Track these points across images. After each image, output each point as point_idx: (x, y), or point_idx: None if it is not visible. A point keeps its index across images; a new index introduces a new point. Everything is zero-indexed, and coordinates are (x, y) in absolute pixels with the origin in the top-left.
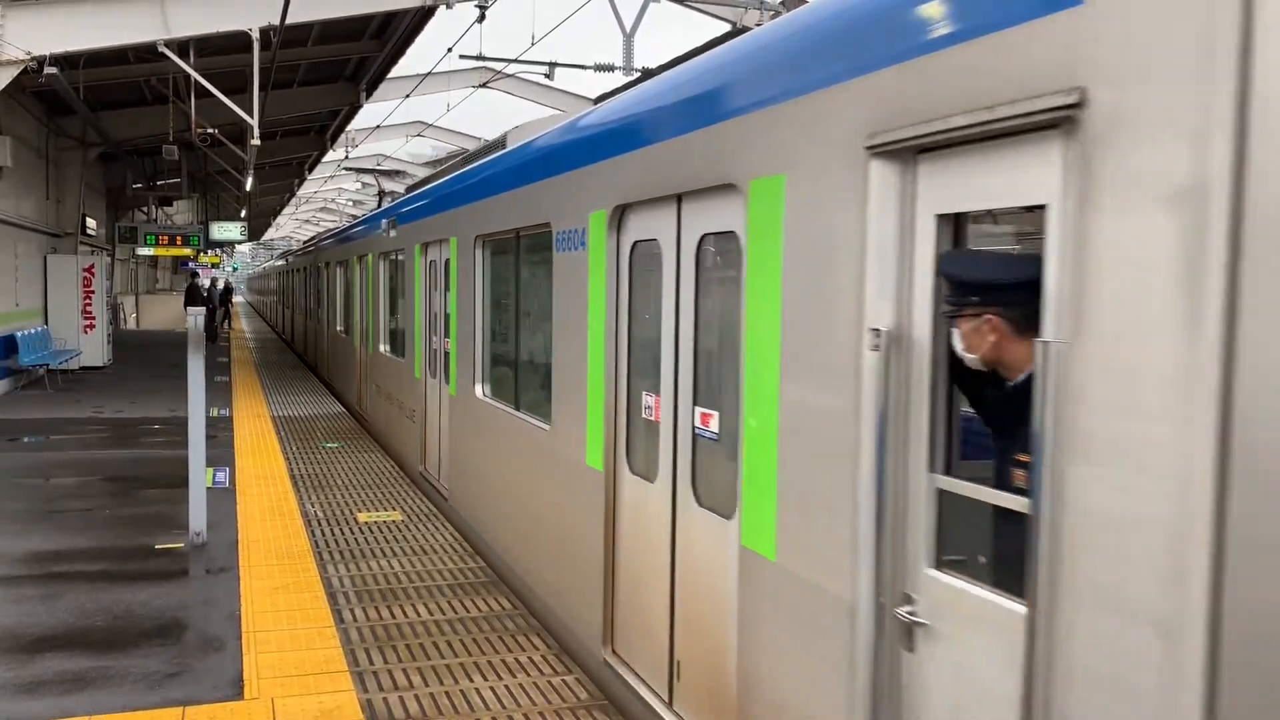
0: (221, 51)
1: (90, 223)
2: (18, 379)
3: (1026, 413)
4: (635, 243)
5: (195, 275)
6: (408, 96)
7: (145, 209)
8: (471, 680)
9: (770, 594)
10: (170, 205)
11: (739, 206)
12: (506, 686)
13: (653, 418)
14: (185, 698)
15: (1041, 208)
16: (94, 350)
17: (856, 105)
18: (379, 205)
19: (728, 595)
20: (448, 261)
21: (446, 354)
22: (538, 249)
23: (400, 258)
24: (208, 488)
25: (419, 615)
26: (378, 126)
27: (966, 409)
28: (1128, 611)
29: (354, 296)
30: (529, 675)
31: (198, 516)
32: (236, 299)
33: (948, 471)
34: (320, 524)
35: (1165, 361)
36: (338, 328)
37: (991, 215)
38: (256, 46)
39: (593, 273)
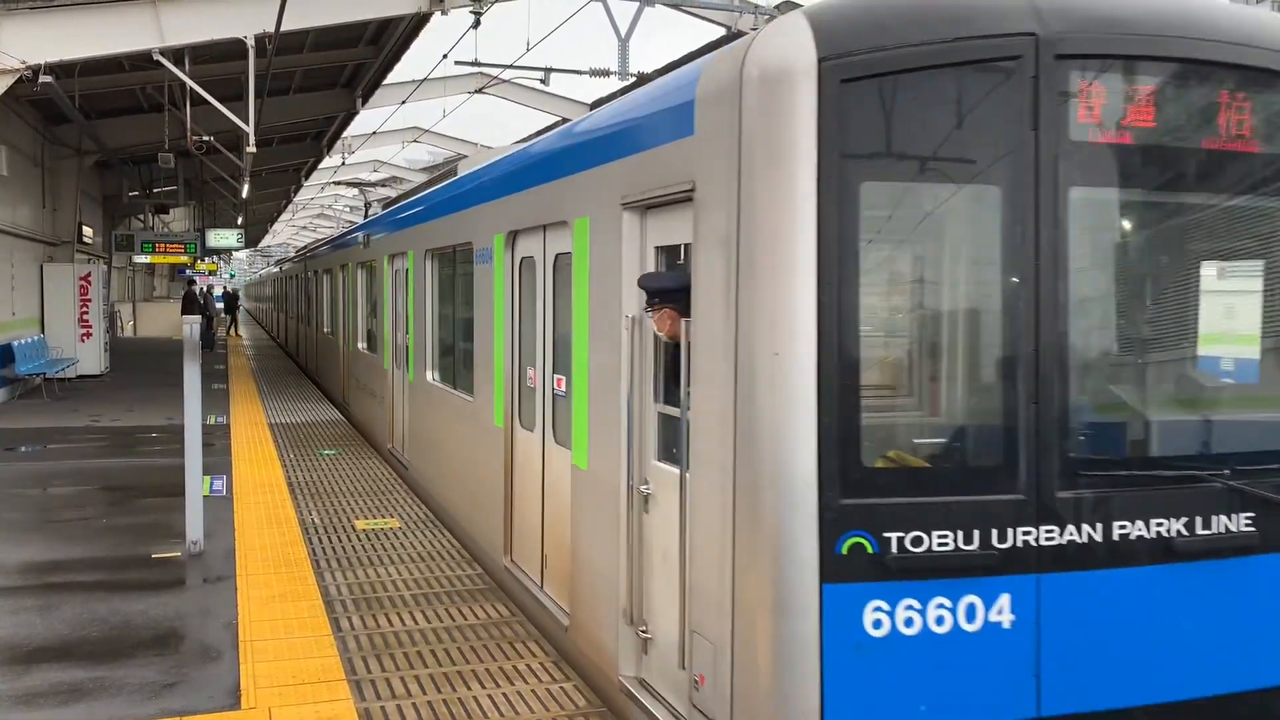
0: (217, 59)
1: (86, 231)
2: (14, 388)
3: (678, 362)
4: (522, 258)
5: (192, 282)
6: (403, 103)
7: (142, 217)
8: (470, 688)
9: (584, 491)
10: (167, 213)
11: (569, 236)
12: (505, 694)
13: (531, 385)
14: (182, 708)
15: (688, 244)
16: (91, 359)
17: (616, 178)
18: (365, 216)
19: (568, 501)
20: (407, 270)
21: (407, 348)
22: (467, 262)
23: (373, 267)
24: (205, 496)
25: (417, 623)
26: (374, 133)
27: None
28: (714, 464)
29: (337, 301)
30: (527, 683)
31: (194, 525)
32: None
33: (664, 402)
34: (318, 532)
35: (719, 332)
36: (324, 329)
37: (677, 248)
38: (252, 54)
39: (497, 280)
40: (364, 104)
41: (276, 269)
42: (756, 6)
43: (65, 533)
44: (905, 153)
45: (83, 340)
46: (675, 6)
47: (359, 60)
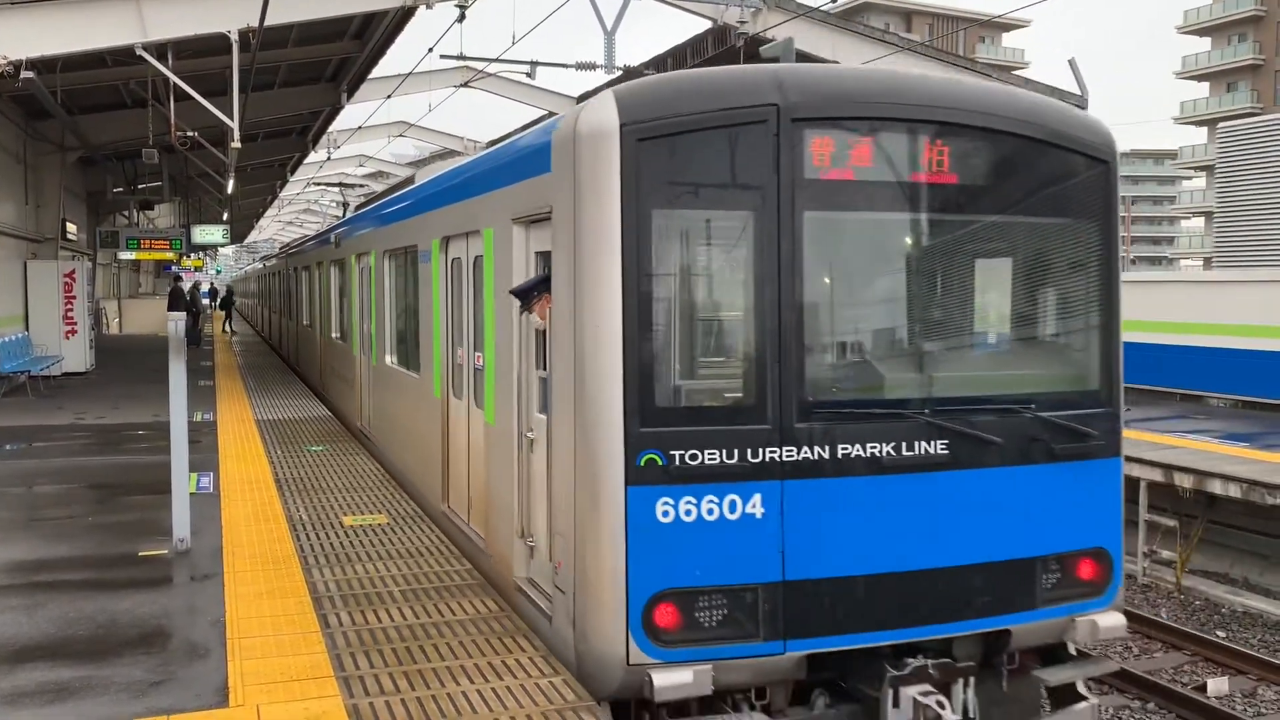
0: (200, 54)
1: (70, 227)
2: None
3: (546, 339)
4: (452, 259)
5: (179, 279)
6: (389, 97)
7: (126, 213)
8: (459, 684)
9: (492, 442)
10: (151, 209)
11: (482, 242)
12: (494, 689)
13: (460, 362)
14: (170, 706)
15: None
16: (76, 356)
17: (509, 200)
18: (342, 215)
19: (483, 451)
20: (370, 268)
21: (370, 335)
22: (415, 262)
23: (344, 265)
24: (192, 493)
25: (405, 619)
26: (359, 127)
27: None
28: (564, 410)
29: (314, 296)
30: (516, 678)
31: (181, 523)
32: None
33: (540, 369)
34: (305, 528)
35: (566, 315)
36: (304, 322)
37: (547, 253)
38: (236, 48)
39: (434, 277)
40: (349, 99)
41: (260, 265)
42: (742, 0)
43: (51, 531)
44: (684, 188)
45: (67, 338)
46: None
47: (344, 55)
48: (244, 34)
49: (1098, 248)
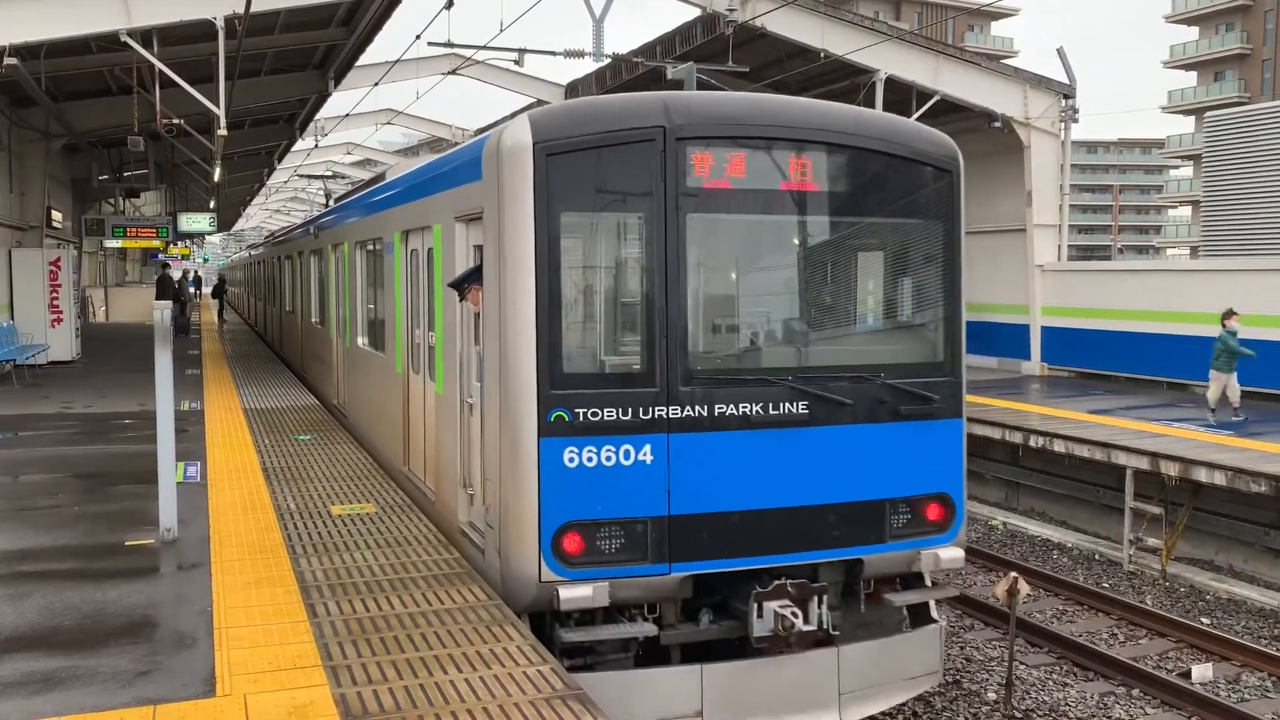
0: (186, 41)
1: (56, 215)
2: None
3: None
4: (411, 250)
5: (166, 266)
6: (376, 84)
7: (112, 201)
8: (447, 673)
9: (441, 408)
10: (138, 197)
11: (433, 235)
12: (482, 678)
13: (418, 341)
14: (156, 696)
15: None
16: (62, 345)
17: (452, 200)
18: (326, 205)
19: (434, 416)
20: (344, 258)
21: (343, 319)
22: (380, 253)
23: (321, 254)
24: (179, 483)
25: (393, 608)
26: (347, 115)
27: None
28: (492, 377)
29: (295, 283)
30: (504, 666)
31: (168, 512)
32: (206, 291)
33: (477, 344)
34: (293, 517)
35: (493, 298)
36: (286, 308)
37: (481, 247)
38: (222, 35)
39: (396, 267)
40: (336, 86)
41: (247, 254)
42: None
43: (37, 521)
44: (587, 195)
45: (53, 326)
46: None
47: (331, 42)
48: (230, 20)
49: (943, 244)
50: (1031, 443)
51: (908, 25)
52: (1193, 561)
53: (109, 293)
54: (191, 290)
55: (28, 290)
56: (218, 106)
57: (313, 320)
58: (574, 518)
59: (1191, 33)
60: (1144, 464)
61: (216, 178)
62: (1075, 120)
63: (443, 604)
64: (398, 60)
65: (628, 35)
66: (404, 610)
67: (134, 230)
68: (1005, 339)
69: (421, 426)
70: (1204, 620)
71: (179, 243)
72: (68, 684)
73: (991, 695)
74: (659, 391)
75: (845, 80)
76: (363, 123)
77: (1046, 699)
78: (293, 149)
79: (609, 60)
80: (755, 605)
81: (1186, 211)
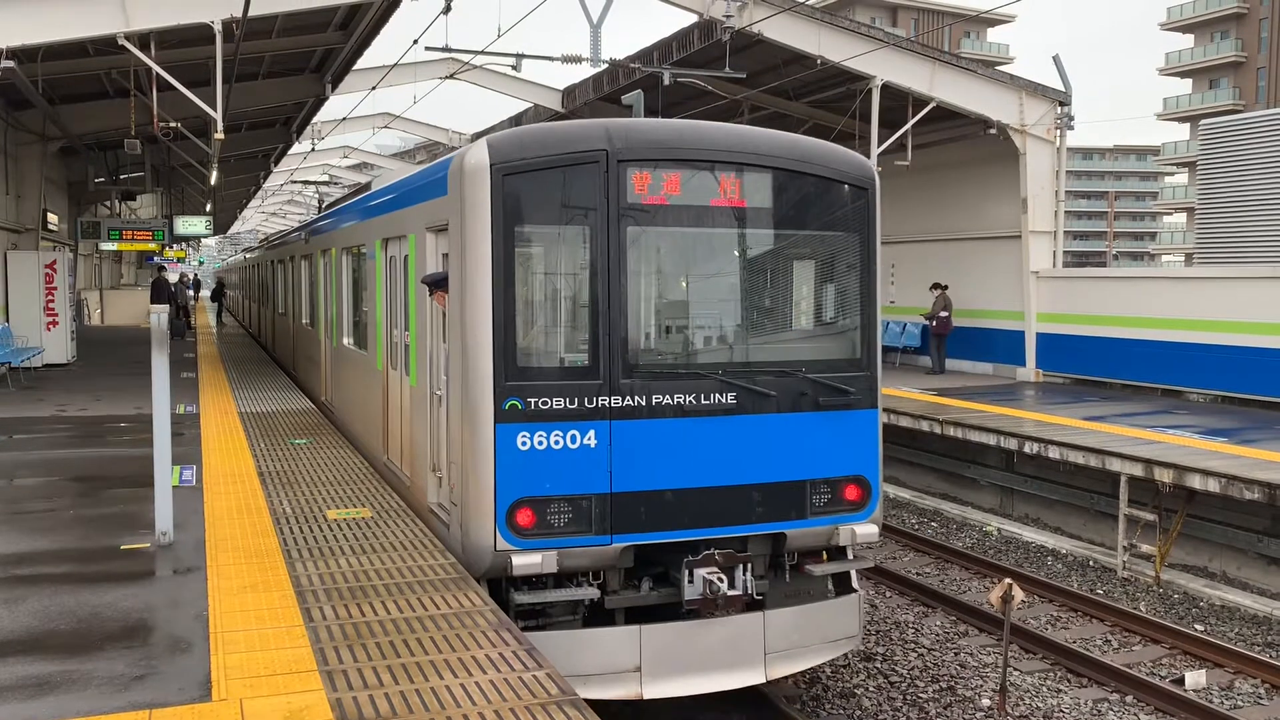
0: (184, 44)
1: (52, 218)
2: None
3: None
4: (390, 256)
5: (162, 269)
6: (374, 89)
7: (108, 204)
8: (442, 678)
9: (414, 400)
10: (134, 200)
11: (409, 243)
12: (477, 683)
13: (396, 340)
14: (152, 700)
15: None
16: (57, 348)
17: (424, 213)
18: (319, 209)
19: (409, 408)
20: (332, 263)
21: (331, 321)
22: (364, 258)
23: (312, 259)
24: (174, 486)
25: (389, 613)
26: (344, 119)
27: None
28: (456, 371)
29: (287, 287)
30: (499, 671)
31: (164, 516)
32: (205, 294)
33: (443, 342)
34: (289, 522)
35: (456, 300)
36: (279, 311)
37: (447, 255)
38: (219, 39)
39: (378, 272)
40: (333, 90)
41: (242, 258)
42: None
43: (32, 524)
44: (538, 209)
45: (49, 329)
46: None
47: (328, 45)
48: (227, 24)
49: (859, 254)
50: (1026, 449)
51: (904, 32)
52: (1186, 568)
53: (105, 295)
54: (190, 293)
55: (23, 293)
56: (215, 110)
57: (303, 322)
58: (526, 494)
59: (1187, 40)
60: (1138, 470)
61: (213, 181)
62: (1071, 127)
63: (439, 609)
64: (395, 64)
65: (626, 41)
66: (400, 615)
67: (130, 233)
68: (1000, 345)
69: (399, 418)
70: (1197, 627)
71: (174, 245)
72: (63, 688)
73: (985, 701)
74: (602, 384)
75: (841, 86)
76: (360, 126)
77: (1040, 705)
78: (289, 152)
79: (606, 65)
80: (686, 572)
81: (1181, 218)
